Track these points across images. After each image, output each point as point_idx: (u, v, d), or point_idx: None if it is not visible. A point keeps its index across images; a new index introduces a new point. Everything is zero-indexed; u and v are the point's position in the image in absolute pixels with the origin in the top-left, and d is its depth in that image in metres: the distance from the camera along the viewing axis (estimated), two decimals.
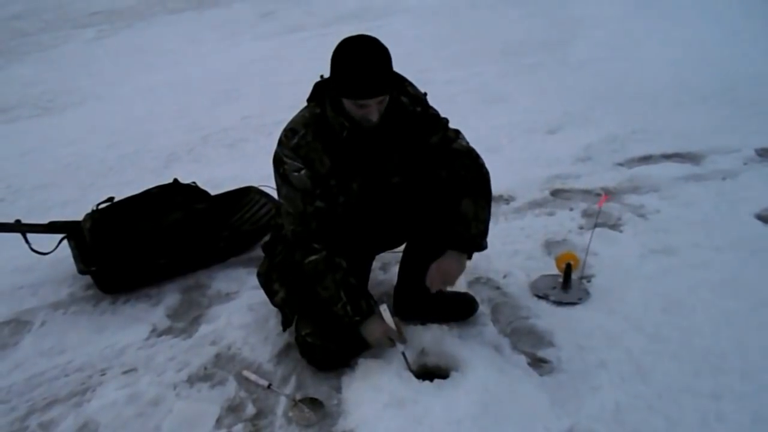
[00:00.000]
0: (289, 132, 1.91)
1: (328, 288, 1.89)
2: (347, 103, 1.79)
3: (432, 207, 1.98)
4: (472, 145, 2.01)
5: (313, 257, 1.89)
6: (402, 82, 1.97)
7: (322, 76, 1.92)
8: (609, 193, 3.12)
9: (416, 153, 1.96)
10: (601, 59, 5.50)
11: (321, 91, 1.91)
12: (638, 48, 5.73)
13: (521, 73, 5.25)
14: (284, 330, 2.12)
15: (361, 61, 1.71)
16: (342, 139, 1.88)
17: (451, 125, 2.02)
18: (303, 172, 1.88)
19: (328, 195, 1.92)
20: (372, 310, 1.91)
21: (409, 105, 1.95)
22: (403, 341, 1.94)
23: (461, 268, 1.95)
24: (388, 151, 1.95)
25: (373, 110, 1.77)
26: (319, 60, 2.41)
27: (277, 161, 1.92)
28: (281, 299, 2.10)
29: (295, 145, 1.88)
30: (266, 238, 2.29)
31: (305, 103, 1.96)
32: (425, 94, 2.02)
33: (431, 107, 2.01)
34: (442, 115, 2.02)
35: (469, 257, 1.97)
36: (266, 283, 2.17)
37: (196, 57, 6.46)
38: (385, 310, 1.94)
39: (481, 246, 1.97)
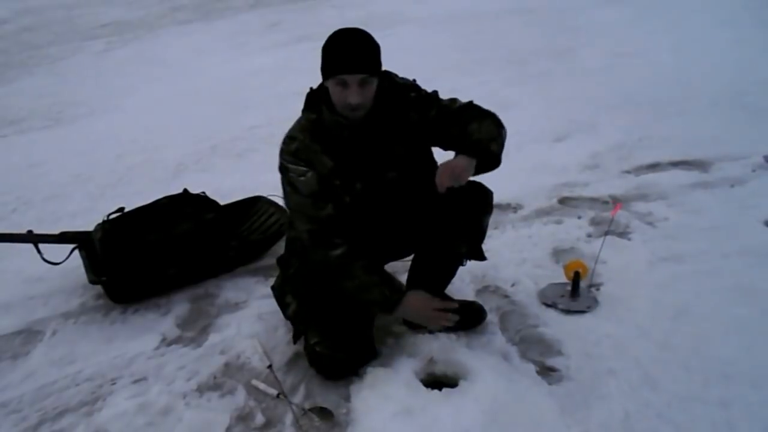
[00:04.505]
0: (288, 139, 1.94)
1: (357, 276, 1.88)
2: (331, 89, 1.81)
3: (433, 209, 1.97)
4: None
5: (338, 251, 1.88)
6: (389, 74, 1.98)
7: (311, 88, 1.95)
8: (617, 201, 3.11)
9: (420, 133, 1.96)
10: (607, 67, 5.49)
11: (314, 98, 1.94)
12: (644, 55, 5.73)
13: (527, 81, 5.25)
14: (294, 342, 2.13)
15: (343, 40, 1.78)
16: (343, 137, 1.89)
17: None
18: (309, 174, 1.89)
19: (334, 195, 1.92)
20: (404, 291, 1.95)
21: (404, 90, 1.96)
22: (456, 308, 1.98)
23: (470, 168, 1.82)
24: (389, 145, 1.95)
25: (353, 91, 1.77)
26: None
27: (282, 170, 1.94)
28: (293, 312, 2.11)
29: (295, 149, 1.91)
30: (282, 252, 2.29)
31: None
32: (414, 80, 2.03)
33: (421, 88, 2.00)
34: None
35: (480, 166, 1.85)
36: (280, 296, 2.18)
37: (204, 67, 6.50)
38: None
39: (489, 150, 1.85)
